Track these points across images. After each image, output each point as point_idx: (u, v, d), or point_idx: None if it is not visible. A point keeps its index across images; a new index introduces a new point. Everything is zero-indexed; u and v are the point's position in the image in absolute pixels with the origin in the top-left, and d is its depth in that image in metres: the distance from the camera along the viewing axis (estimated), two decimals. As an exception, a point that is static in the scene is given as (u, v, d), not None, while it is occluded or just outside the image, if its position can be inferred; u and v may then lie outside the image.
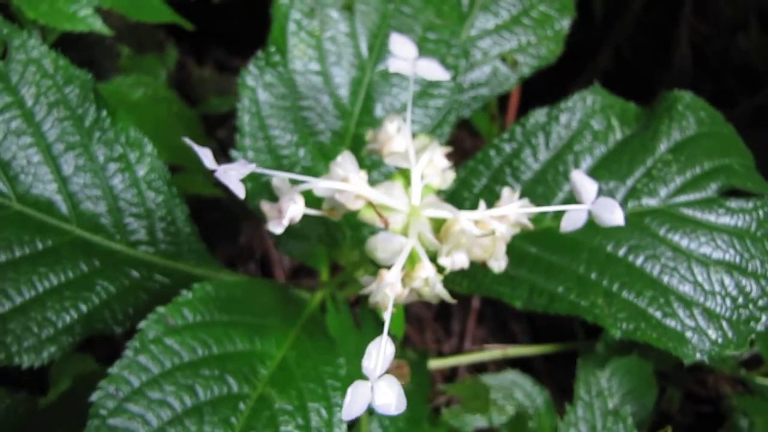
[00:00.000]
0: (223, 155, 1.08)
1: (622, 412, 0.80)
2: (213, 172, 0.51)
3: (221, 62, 1.49)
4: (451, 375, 1.36)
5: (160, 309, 0.63)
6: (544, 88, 1.34)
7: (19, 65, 0.73)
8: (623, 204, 0.79)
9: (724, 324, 0.75)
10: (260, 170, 0.52)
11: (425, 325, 1.43)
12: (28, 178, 0.72)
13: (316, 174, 0.75)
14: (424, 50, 0.79)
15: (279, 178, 0.56)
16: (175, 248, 0.77)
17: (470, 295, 1.41)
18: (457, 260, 0.56)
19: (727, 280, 0.77)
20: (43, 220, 0.72)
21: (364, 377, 0.49)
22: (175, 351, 0.62)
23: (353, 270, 0.64)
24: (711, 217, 0.79)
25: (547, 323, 1.45)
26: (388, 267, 0.53)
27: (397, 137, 0.58)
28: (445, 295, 0.56)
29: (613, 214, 0.55)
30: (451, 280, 0.74)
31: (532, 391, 1.19)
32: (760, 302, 0.77)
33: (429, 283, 0.54)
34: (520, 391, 1.17)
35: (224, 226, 1.30)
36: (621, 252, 0.76)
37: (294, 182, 0.55)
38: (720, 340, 0.74)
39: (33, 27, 0.89)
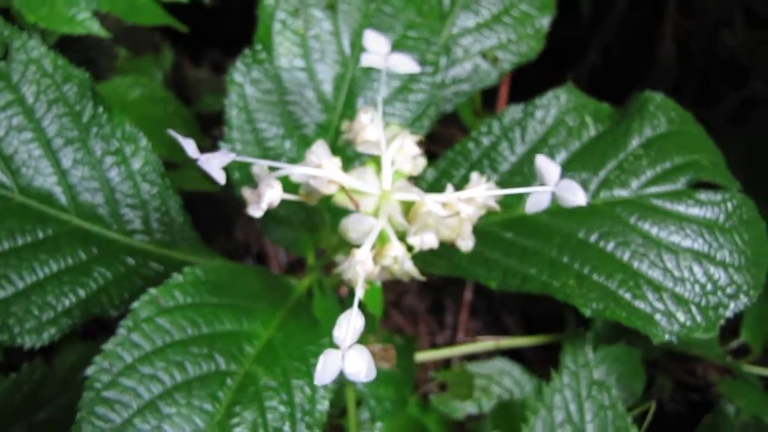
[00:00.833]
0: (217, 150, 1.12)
1: (607, 383, 0.84)
2: (196, 160, 0.56)
3: (217, 63, 1.53)
4: (444, 366, 1.40)
5: (152, 290, 0.67)
6: (533, 84, 1.38)
7: (20, 65, 0.77)
8: (596, 194, 0.83)
9: (693, 309, 0.79)
10: (241, 158, 0.57)
11: (419, 318, 1.47)
12: (29, 171, 0.76)
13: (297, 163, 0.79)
14: (405, 48, 0.84)
15: (259, 166, 0.60)
16: (169, 237, 0.82)
17: (463, 288, 1.45)
18: (425, 240, 0.60)
19: (695, 268, 0.80)
20: (43, 210, 0.76)
21: (335, 346, 0.53)
22: (166, 330, 0.66)
23: (333, 252, 0.68)
24: (680, 208, 0.82)
25: (539, 315, 1.48)
26: (360, 246, 0.57)
27: (370, 127, 0.62)
28: (415, 272, 0.60)
29: (575, 195, 0.58)
30: (429, 261, 0.79)
31: (521, 378, 1.23)
32: (728, 290, 0.81)
33: (398, 261, 0.58)
34: (508, 378, 1.20)
35: (220, 222, 1.34)
36: (592, 238, 0.80)
37: (272, 169, 0.59)
38: (689, 323, 0.78)
39: (33, 30, 0.93)
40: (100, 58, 1.08)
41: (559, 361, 0.85)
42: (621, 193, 0.83)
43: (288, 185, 0.60)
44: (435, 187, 0.86)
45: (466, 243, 0.62)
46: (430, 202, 0.57)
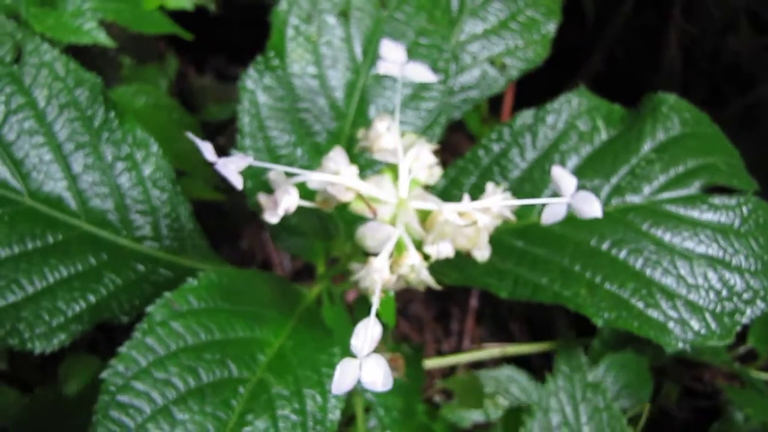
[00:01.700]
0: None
1: (601, 386, 0.84)
2: (213, 164, 0.56)
3: (221, 71, 1.54)
4: (450, 373, 1.40)
5: (167, 294, 0.67)
6: (538, 90, 1.39)
7: (32, 68, 0.78)
8: (607, 201, 0.84)
9: (708, 316, 0.80)
10: (258, 163, 0.57)
11: (425, 325, 1.48)
12: (39, 176, 0.77)
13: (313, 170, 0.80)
14: (416, 54, 0.84)
15: (275, 172, 0.61)
16: (178, 244, 0.82)
17: (469, 295, 1.45)
18: (442, 249, 0.60)
19: (710, 274, 0.81)
20: (53, 215, 0.77)
21: (352, 355, 0.54)
22: (180, 334, 0.66)
23: (346, 261, 0.69)
24: (694, 213, 0.83)
25: (545, 322, 1.49)
26: (377, 254, 0.58)
27: (386, 135, 0.63)
28: (431, 281, 0.61)
29: (591, 207, 0.59)
30: (441, 271, 0.79)
31: (528, 385, 1.23)
32: (745, 296, 0.81)
33: (415, 269, 0.59)
34: (516, 386, 1.21)
35: (225, 230, 1.35)
36: (604, 246, 0.81)
37: (289, 175, 0.60)
38: (703, 331, 0.79)
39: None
40: (105, 67, 1.09)
41: (554, 363, 0.86)
42: (633, 199, 0.84)
43: (304, 192, 0.60)
44: (445, 195, 0.86)
45: (482, 253, 0.63)
46: (448, 212, 0.58)
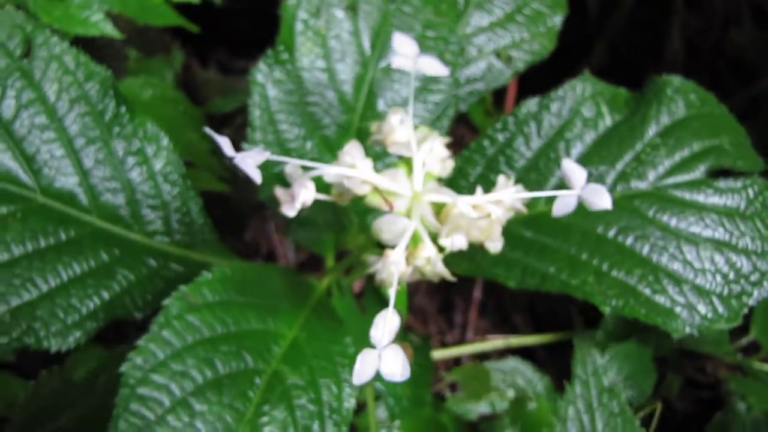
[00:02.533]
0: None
1: (616, 389, 0.86)
2: (231, 158, 0.58)
3: (225, 64, 1.56)
4: (454, 365, 1.42)
5: (183, 287, 0.69)
6: (541, 82, 1.41)
7: (42, 62, 0.79)
8: (613, 188, 0.86)
9: (715, 299, 0.81)
10: (276, 158, 0.59)
11: (429, 318, 1.50)
12: (51, 171, 0.78)
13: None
14: (423, 47, 0.86)
15: (292, 166, 0.62)
16: (189, 238, 0.84)
17: (472, 287, 1.47)
18: (456, 241, 0.62)
19: (717, 258, 0.83)
20: (65, 211, 0.78)
21: (371, 346, 0.55)
22: (196, 327, 0.68)
23: (360, 253, 0.70)
24: (699, 198, 0.85)
25: (548, 313, 1.51)
26: (393, 247, 0.60)
27: (399, 128, 0.64)
28: (446, 273, 0.63)
29: (602, 199, 0.61)
30: (451, 262, 0.81)
31: (533, 377, 1.25)
32: (752, 278, 0.83)
33: (431, 261, 0.61)
34: (521, 377, 1.23)
35: (230, 222, 1.36)
36: (611, 233, 0.82)
37: (305, 169, 0.61)
38: (710, 315, 0.81)
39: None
40: (111, 60, 1.10)
41: (571, 370, 0.87)
42: (639, 185, 0.86)
43: (319, 185, 0.62)
44: (451, 185, 0.88)
45: (495, 245, 0.64)
46: (462, 204, 0.60)
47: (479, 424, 1.17)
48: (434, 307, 1.51)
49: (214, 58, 1.59)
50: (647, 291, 0.79)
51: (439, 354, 1.34)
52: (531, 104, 0.89)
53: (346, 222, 0.80)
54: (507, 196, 0.63)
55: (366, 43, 0.85)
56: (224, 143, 0.57)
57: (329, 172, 0.60)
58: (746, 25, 1.60)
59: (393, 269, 0.59)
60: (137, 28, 1.19)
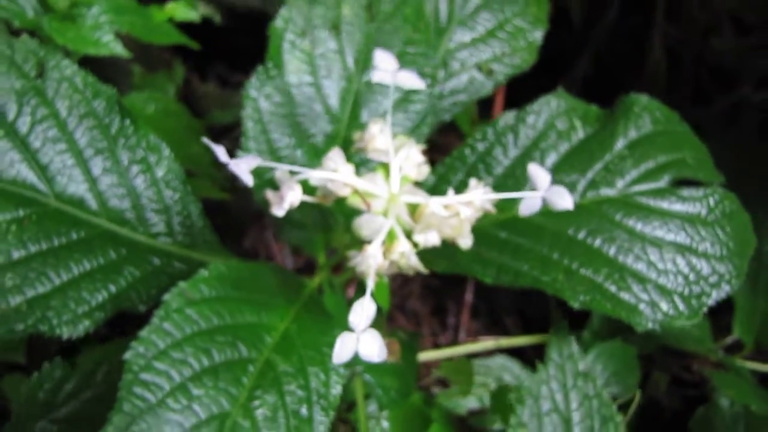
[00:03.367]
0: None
1: (591, 374, 0.93)
2: (226, 164, 0.66)
3: (223, 78, 1.64)
4: (446, 365, 1.49)
5: (182, 284, 0.76)
6: (528, 92, 1.49)
7: (54, 82, 0.87)
8: (583, 194, 0.94)
9: (676, 298, 0.89)
10: (266, 164, 0.67)
11: (422, 320, 1.57)
12: (63, 179, 0.86)
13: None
14: (404, 62, 0.94)
15: (280, 171, 0.70)
16: (190, 239, 0.92)
17: (464, 290, 1.55)
18: (429, 238, 0.70)
19: (679, 260, 0.90)
20: (76, 214, 0.86)
21: (350, 329, 0.63)
22: (193, 320, 0.76)
23: (345, 250, 0.78)
24: (664, 204, 0.93)
25: (538, 316, 1.58)
26: (371, 242, 0.67)
27: (379, 137, 0.72)
28: (420, 266, 0.70)
29: (563, 200, 0.68)
30: (431, 260, 0.89)
31: (521, 373, 1.32)
32: (711, 279, 0.90)
33: (405, 255, 0.68)
34: (508, 373, 1.30)
35: (230, 229, 1.44)
36: (581, 235, 0.90)
37: (293, 174, 0.69)
38: (671, 312, 0.88)
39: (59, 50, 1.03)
40: (117, 75, 1.19)
41: (545, 352, 0.94)
42: (607, 192, 0.93)
43: (306, 188, 0.70)
44: (435, 190, 0.96)
45: (466, 241, 0.72)
46: (434, 205, 0.67)
47: (468, 418, 1.24)
48: (427, 310, 1.58)
49: (213, 72, 1.68)
50: (613, 288, 0.87)
51: (432, 355, 1.41)
52: (509, 117, 0.97)
53: (333, 222, 0.88)
54: (476, 197, 0.71)
55: (350, 60, 0.93)
56: (220, 151, 0.66)
57: (314, 175, 0.68)
58: (726, 34, 1.68)
59: (371, 262, 0.66)
60: (141, 45, 1.28)
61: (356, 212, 0.69)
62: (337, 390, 0.79)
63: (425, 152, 0.74)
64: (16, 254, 0.81)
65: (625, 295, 0.87)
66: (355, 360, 0.65)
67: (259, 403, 0.75)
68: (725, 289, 0.90)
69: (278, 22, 0.91)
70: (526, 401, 0.89)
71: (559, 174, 0.93)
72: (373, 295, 0.65)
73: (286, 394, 0.77)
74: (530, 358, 1.52)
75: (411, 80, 0.75)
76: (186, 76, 1.50)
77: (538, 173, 0.69)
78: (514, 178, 0.94)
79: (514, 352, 1.39)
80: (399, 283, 1.59)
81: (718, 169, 1.15)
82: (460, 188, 0.93)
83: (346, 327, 0.64)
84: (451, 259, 0.90)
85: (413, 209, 0.70)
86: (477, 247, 0.87)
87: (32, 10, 1.00)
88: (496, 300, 1.59)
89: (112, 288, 0.84)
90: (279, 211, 0.68)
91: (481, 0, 1.08)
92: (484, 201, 0.73)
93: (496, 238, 0.91)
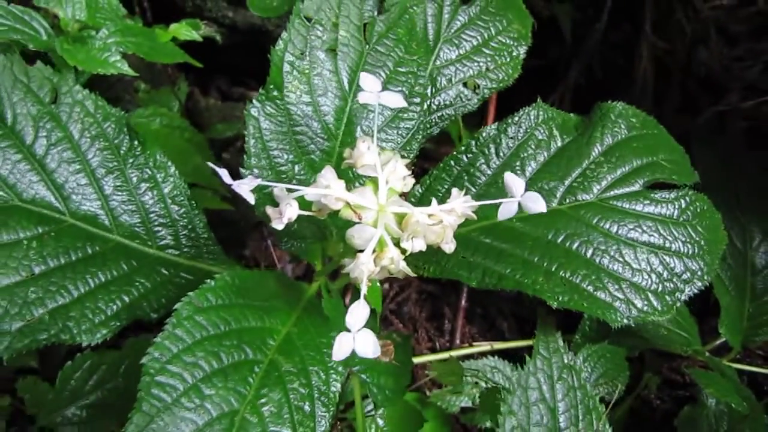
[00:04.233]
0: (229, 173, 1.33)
1: (576, 368, 1.02)
2: (230, 185, 0.75)
3: (224, 91, 1.74)
4: (442, 369, 1.58)
5: (191, 293, 0.85)
6: (521, 101, 1.59)
7: (67, 107, 0.97)
8: (562, 200, 1.03)
9: (650, 295, 0.98)
10: (265, 183, 0.76)
11: (419, 325, 1.66)
12: (77, 197, 0.96)
13: (308, 185, 0.98)
14: (396, 81, 1.03)
15: (279, 189, 0.79)
16: (195, 251, 1.01)
17: (459, 297, 1.63)
18: (415, 244, 0.78)
19: (652, 259, 0.99)
20: (90, 230, 0.95)
21: (347, 329, 0.72)
22: (203, 326, 0.84)
23: (339, 258, 0.87)
24: (638, 207, 1.02)
25: (531, 320, 1.67)
26: (363, 250, 0.76)
27: (367, 153, 0.81)
28: (407, 270, 0.79)
29: (537, 204, 0.77)
30: (420, 266, 0.98)
31: (511, 374, 1.41)
32: (684, 276, 1.00)
33: (394, 261, 0.77)
34: (499, 374, 1.39)
35: (233, 240, 1.53)
36: (559, 239, 0.99)
37: (290, 191, 0.78)
38: (646, 308, 0.97)
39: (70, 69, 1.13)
40: (123, 93, 1.28)
41: (533, 348, 1.03)
42: (584, 197, 1.03)
43: (302, 203, 0.79)
44: (423, 200, 1.05)
45: (449, 246, 0.81)
46: (418, 214, 0.76)
47: (460, 416, 1.33)
48: (424, 316, 1.67)
49: (214, 86, 1.78)
50: (590, 288, 0.96)
51: (428, 358, 1.50)
52: (491, 129, 1.06)
53: (328, 233, 0.96)
54: (457, 205, 0.80)
55: (345, 80, 1.02)
56: (223, 174, 0.75)
57: (309, 192, 0.77)
58: (713, 44, 1.77)
59: (363, 268, 0.75)
60: (145, 62, 1.38)
61: (349, 223, 0.78)
62: (336, 387, 0.88)
63: (418, 162, 0.83)
64: (38, 269, 0.90)
65: (601, 294, 0.96)
66: (353, 360, 0.73)
67: (265, 400, 0.84)
68: (697, 285, 0.99)
69: (279, 45, 1.00)
70: (515, 391, 0.98)
71: (539, 181, 1.03)
72: (366, 298, 0.74)
73: (289, 392, 0.85)
74: (523, 360, 1.61)
75: (395, 100, 0.84)
76: (188, 89, 1.60)
77: (514, 181, 0.78)
78: (497, 187, 1.03)
79: (508, 355, 1.48)
80: (396, 290, 1.68)
81: (706, 175, 1.24)
82: (446, 197, 1.03)
83: (343, 329, 0.73)
84: (439, 264, 0.99)
85: (400, 218, 0.79)
86: (463, 253, 0.97)
87: (45, 33, 1.09)
88: (490, 306, 1.69)
89: (126, 298, 0.93)
90: (278, 225, 0.77)
91: (467, 19, 1.17)
92: (465, 208, 0.82)
93: (480, 243, 1.00)
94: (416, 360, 1.45)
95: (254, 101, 0.99)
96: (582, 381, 1.02)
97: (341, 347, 0.72)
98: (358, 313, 0.72)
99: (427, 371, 1.53)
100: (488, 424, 1.19)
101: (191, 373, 0.82)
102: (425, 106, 1.04)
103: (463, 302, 1.62)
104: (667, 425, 1.52)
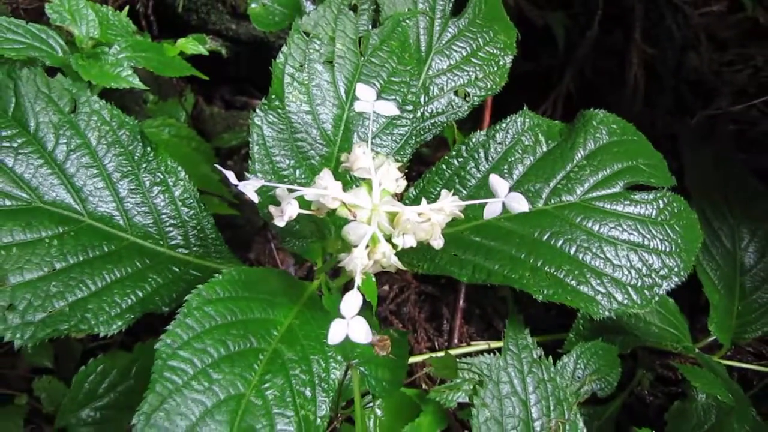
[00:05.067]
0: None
1: (544, 362, 1.11)
2: (236, 186, 0.85)
3: (227, 100, 1.85)
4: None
5: (200, 286, 0.95)
6: (517, 106, 1.68)
7: (85, 116, 1.07)
8: (547, 200, 1.12)
9: (630, 290, 1.07)
10: (268, 184, 0.86)
11: (418, 326, 1.75)
12: (95, 200, 1.06)
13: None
14: (390, 90, 1.13)
15: (281, 189, 0.89)
16: (204, 250, 1.11)
17: (457, 298, 1.73)
18: (406, 240, 0.88)
19: (632, 256, 1.09)
20: (107, 230, 1.05)
21: (341, 317, 0.81)
22: (211, 316, 0.94)
23: (337, 254, 0.97)
24: (618, 207, 1.11)
25: (528, 321, 1.76)
26: (357, 246, 0.86)
27: (362, 158, 0.90)
28: (398, 264, 0.88)
29: (520, 204, 0.87)
30: (414, 263, 1.07)
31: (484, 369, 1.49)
32: (662, 272, 1.09)
33: (386, 255, 0.86)
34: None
35: (237, 242, 1.63)
36: (545, 237, 1.09)
37: (291, 191, 0.88)
38: (626, 302, 1.06)
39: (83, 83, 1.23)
40: (132, 104, 1.39)
41: (503, 344, 1.12)
42: (568, 198, 1.12)
43: (303, 203, 0.88)
44: (417, 201, 1.14)
45: (438, 242, 0.90)
46: (409, 212, 0.86)
47: (457, 411, 1.42)
48: (423, 316, 1.76)
49: (218, 94, 1.88)
50: (573, 282, 1.05)
51: (427, 357, 1.59)
52: (480, 135, 1.16)
53: (326, 231, 1.06)
54: (445, 205, 0.90)
55: (342, 90, 1.12)
56: (230, 175, 0.85)
57: (308, 192, 0.87)
58: (702, 50, 1.87)
59: (357, 262, 0.85)
60: (152, 74, 1.48)
61: (345, 221, 0.88)
62: (335, 374, 0.97)
63: (417, 166, 0.93)
64: (58, 265, 1.00)
65: (584, 288, 1.05)
66: (353, 353, 0.82)
67: (269, 385, 0.93)
68: (674, 280, 1.08)
69: (279, 58, 1.10)
70: (487, 385, 1.07)
71: (525, 183, 1.12)
72: (360, 289, 0.83)
73: (292, 378, 0.95)
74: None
75: (388, 109, 0.94)
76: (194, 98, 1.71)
77: (498, 182, 0.88)
78: (486, 189, 1.12)
79: (504, 353, 1.57)
80: (396, 291, 1.77)
81: (697, 176, 1.32)
82: (438, 199, 1.12)
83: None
84: (432, 261, 1.08)
85: (392, 217, 0.88)
86: (455, 250, 1.07)
87: (61, 50, 1.19)
88: (487, 306, 1.78)
89: (139, 293, 1.03)
90: (280, 222, 0.86)
91: (456, 31, 1.27)
92: (453, 208, 0.91)
93: (470, 241, 1.09)
94: (416, 359, 1.54)
95: (257, 111, 1.09)
96: (551, 374, 1.11)
97: (336, 332, 0.81)
98: (351, 301, 0.82)
99: (426, 369, 1.62)
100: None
101: (200, 359, 0.91)
102: (418, 114, 1.14)
103: (461, 303, 1.71)
104: (660, 420, 1.61)
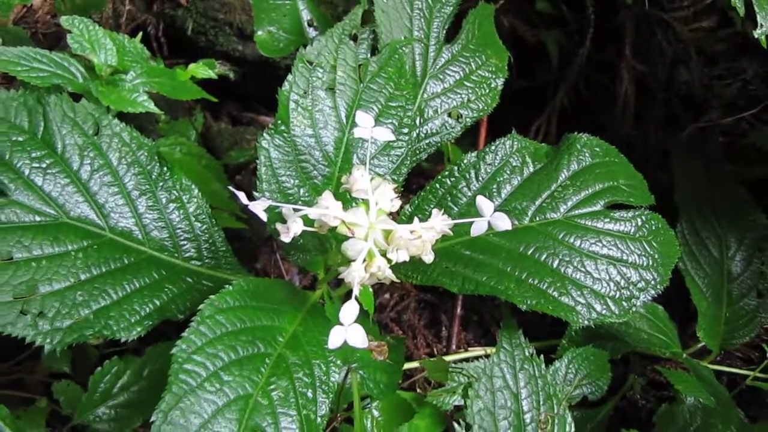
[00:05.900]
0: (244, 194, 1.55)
1: (536, 360, 1.22)
2: (246, 206, 0.97)
3: (234, 117, 1.97)
4: (439, 372, 1.77)
5: (213, 296, 1.07)
6: (512, 121, 1.79)
7: (107, 138, 1.19)
8: (533, 218, 1.24)
9: (609, 301, 1.19)
10: (275, 203, 0.98)
11: (417, 332, 1.86)
12: (115, 215, 1.18)
13: (312, 206, 1.20)
14: (387, 115, 1.25)
15: (286, 208, 1.01)
16: (215, 262, 1.23)
17: (455, 305, 1.84)
18: (399, 255, 1.00)
19: (611, 270, 1.20)
20: (126, 244, 1.18)
21: (340, 324, 0.93)
22: (222, 323, 1.05)
23: (338, 267, 1.09)
24: (599, 224, 1.23)
25: (523, 327, 1.87)
26: (355, 260, 0.98)
27: (360, 180, 1.02)
28: (392, 276, 1.00)
29: (504, 223, 0.98)
30: (408, 275, 1.19)
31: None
32: (639, 285, 1.20)
33: (381, 269, 0.98)
34: (488, 375, 1.59)
35: (245, 254, 1.76)
36: (530, 251, 1.20)
37: (296, 210, 1.00)
38: (604, 312, 1.18)
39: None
40: (146, 123, 1.51)
41: (497, 342, 1.24)
42: (552, 215, 1.24)
43: (306, 221, 1.00)
44: (411, 218, 1.26)
45: (429, 257, 1.02)
46: (402, 230, 0.98)
47: (454, 414, 1.53)
48: (422, 324, 1.88)
49: (225, 111, 2.01)
50: (555, 293, 1.17)
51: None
52: (471, 156, 1.28)
53: (328, 246, 1.18)
54: (435, 223, 1.01)
55: (343, 115, 1.24)
56: (240, 196, 0.97)
57: (312, 212, 0.99)
58: (693, 64, 1.97)
59: (355, 275, 0.97)
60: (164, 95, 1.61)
61: (344, 237, 1.00)
62: (335, 378, 1.09)
63: (417, 179, 1.04)
64: (83, 276, 1.12)
65: (565, 299, 1.17)
66: (352, 358, 0.93)
67: (274, 387, 1.04)
68: (651, 293, 1.20)
69: (285, 86, 1.23)
70: (481, 378, 1.19)
71: (513, 202, 1.24)
72: (357, 298, 0.95)
73: (295, 380, 1.06)
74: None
75: (384, 134, 1.06)
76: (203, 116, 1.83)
77: (484, 203, 1.00)
78: (476, 207, 1.24)
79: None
80: (396, 299, 1.89)
81: (687, 187, 1.42)
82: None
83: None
84: (425, 273, 1.20)
85: (387, 234, 1.00)
86: (446, 263, 1.18)
87: (81, 77, 1.32)
88: (485, 313, 1.89)
89: (157, 302, 1.15)
90: (286, 238, 0.98)
91: (450, 56, 1.39)
92: (443, 226, 1.03)
93: (461, 255, 1.21)
94: (413, 364, 1.65)
95: (264, 134, 1.21)
96: (542, 371, 1.22)
97: (335, 338, 0.92)
98: (349, 310, 0.93)
99: (424, 373, 1.73)
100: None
101: (212, 363, 1.03)
102: (413, 136, 1.26)
103: (458, 310, 1.82)
104: (652, 423, 1.71)
